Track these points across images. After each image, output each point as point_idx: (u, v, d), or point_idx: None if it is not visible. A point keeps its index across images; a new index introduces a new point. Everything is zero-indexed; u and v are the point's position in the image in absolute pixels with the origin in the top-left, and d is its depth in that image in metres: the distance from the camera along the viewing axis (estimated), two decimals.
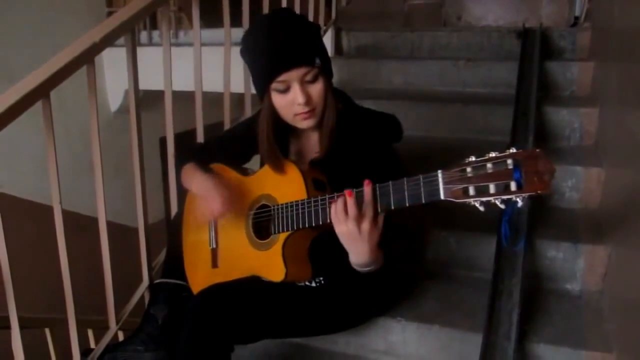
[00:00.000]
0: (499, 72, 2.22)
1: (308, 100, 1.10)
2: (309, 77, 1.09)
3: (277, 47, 1.07)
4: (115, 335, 1.47)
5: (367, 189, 0.99)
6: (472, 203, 0.85)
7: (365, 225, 0.99)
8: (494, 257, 1.44)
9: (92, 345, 1.97)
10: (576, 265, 1.48)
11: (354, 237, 1.01)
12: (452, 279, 1.57)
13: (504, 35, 2.41)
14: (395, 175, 0.99)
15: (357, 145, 1.18)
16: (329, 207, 1.03)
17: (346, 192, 1.00)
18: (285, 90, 1.10)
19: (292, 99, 1.10)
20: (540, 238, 1.51)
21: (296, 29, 1.08)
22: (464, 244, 1.59)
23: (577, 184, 1.68)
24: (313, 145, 1.24)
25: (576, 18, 2.85)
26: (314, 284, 1.26)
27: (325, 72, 1.12)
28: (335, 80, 2.38)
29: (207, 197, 1.18)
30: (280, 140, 1.21)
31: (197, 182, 1.22)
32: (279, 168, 1.18)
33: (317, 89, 1.11)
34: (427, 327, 1.36)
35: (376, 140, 1.20)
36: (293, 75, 1.07)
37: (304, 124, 1.14)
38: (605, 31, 1.96)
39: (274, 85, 1.09)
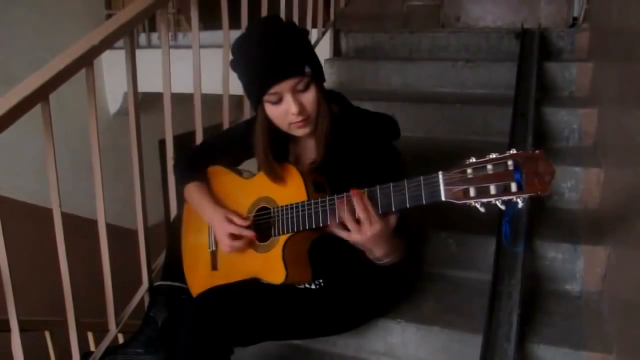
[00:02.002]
0: (498, 73, 2.22)
1: (301, 109, 1.10)
2: (300, 87, 1.09)
3: (266, 60, 1.07)
4: (115, 338, 1.47)
5: (356, 192, 1.00)
6: (473, 204, 0.86)
7: (366, 228, 1.00)
8: (494, 258, 1.44)
9: (92, 348, 1.96)
10: (576, 266, 1.48)
11: (360, 238, 1.01)
12: (451, 279, 1.57)
13: (503, 36, 2.41)
14: (396, 174, 0.99)
15: (355, 147, 1.18)
16: (337, 208, 1.03)
17: (351, 192, 1.01)
18: (278, 101, 1.10)
19: (286, 109, 1.11)
20: (539, 239, 1.51)
21: (284, 39, 1.08)
22: (463, 244, 1.59)
23: (577, 185, 1.68)
24: (310, 149, 1.25)
25: (575, 19, 2.85)
26: (313, 286, 1.26)
27: (316, 78, 1.12)
28: (334, 81, 2.42)
29: (218, 231, 1.22)
30: (278, 146, 1.22)
31: (207, 213, 1.26)
32: (276, 176, 1.18)
33: (309, 97, 1.11)
34: (426, 328, 1.35)
35: (373, 140, 1.20)
36: (284, 87, 1.08)
37: (299, 132, 1.15)
38: (604, 32, 1.96)
39: (267, 97, 1.10)
